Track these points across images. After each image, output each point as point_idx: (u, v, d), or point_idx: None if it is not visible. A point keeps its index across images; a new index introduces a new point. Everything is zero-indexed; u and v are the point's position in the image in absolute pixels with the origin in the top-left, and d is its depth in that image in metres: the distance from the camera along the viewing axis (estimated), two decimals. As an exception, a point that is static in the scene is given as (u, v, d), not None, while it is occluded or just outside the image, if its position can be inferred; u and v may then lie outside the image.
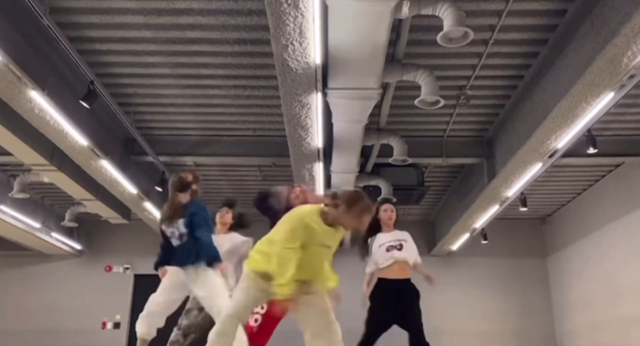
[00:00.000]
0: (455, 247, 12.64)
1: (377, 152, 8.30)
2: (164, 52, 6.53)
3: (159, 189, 8.96)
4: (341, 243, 3.52)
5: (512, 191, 9.04)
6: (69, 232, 12.68)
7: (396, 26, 5.58)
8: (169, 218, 4.49)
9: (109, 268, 13.25)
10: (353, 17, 4.77)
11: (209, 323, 4.23)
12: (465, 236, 11.79)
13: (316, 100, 6.13)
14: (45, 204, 11.88)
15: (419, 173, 9.19)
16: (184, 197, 4.52)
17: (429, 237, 13.16)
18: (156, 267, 4.67)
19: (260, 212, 4.64)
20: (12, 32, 5.52)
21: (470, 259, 13.16)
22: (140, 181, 9.34)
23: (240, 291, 3.43)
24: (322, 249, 3.31)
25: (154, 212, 10.16)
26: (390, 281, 4.70)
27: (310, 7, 4.52)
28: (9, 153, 8.05)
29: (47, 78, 6.20)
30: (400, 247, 4.80)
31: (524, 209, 9.89)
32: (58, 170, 8.50)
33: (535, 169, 8.10)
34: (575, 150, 7.49)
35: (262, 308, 4.45)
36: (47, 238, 11.79)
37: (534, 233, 13.68)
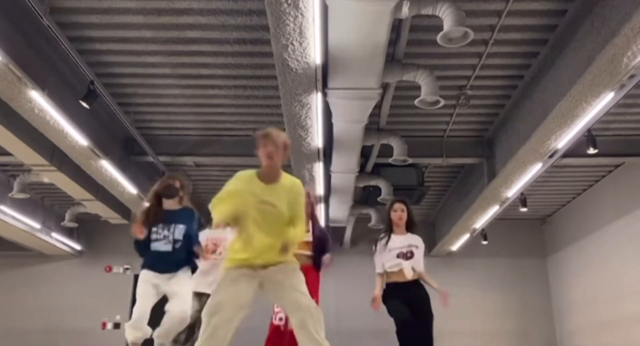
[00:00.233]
0: (455, 247, 12.63)
1: (377, 152, 8.30)
2: (164, 52, 6.53)
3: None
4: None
5: (512, 191, 9.04)
6: (69, 232, 12.68)
7: (396, 26, 5.57)
8: (157, 222, 4.52)
9: (109, 269, 13.25)
10: (353, 17, 4.77)
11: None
12: (466, 236, 11.79)
13: (316, 100, 6.13)
14: (45, 204, 11.88)
15: (419, 173, 9.19)
16: (172, 204, 4.60)
17: (429, 237, 13.14)
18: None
19: None
20: (12, 32, 5.52)
21: (470, 259, 13.16)
22: (140, 181, 9.33)
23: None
24: (266, 207, 3.26)
25: (154, 212, 10.14)
26: (400, 284, 4.59)
27: (310, 7, 4.53)
28: (9, 153, 8.05)
29: (47, 78, 6.20)
30: (410, 256, 4.64)
31: (524, 209, 9.89)
32: (58, 170, 8.50)
33: (535, 169, 8.09)
34: (575, 150, 7.49)
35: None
36: (47, 238, 11.80)
37: (534, 233, 13.68)
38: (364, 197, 10.08)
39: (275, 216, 3.28)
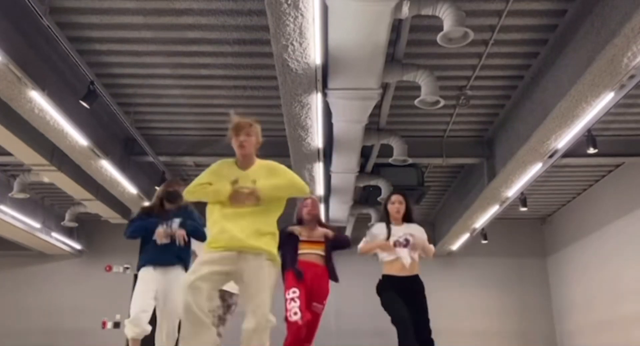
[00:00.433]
0: (455, 247, 12.64)
1: (377, 152, 8.30)
2: (164, 52, 6.53)
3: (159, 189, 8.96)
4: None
5: (512, 191, 9.04)
6: (69, 232, 12.69)
7: (396, 26, 5.58)
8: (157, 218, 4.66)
9: (109, 268, 13.25)
10: (353, 17, 4.77)
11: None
12: (466, 236, 11.79)
13: (316, 100, 6.13)
14: (45, 204, 11.88)
15: (419, 173, 9.19)
16: (172, 206, 4.74)
17: (429, 237, 13.12)
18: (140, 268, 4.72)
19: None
20: (12, 32, 5.52)
21: (470, 259, 13.17)
22: (140, 181, 9.33)
23: None
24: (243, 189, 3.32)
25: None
26: (395, 278, 4.39)
27: (310, 7, 4.52)
28: (9, 153, 8.05)
29: (47, 78, 6.20)
30: (406, 243, 4.41)
31: (524, 209, 9.89)
32: (58, 170, 8.50)
33: (535, 169, 8.10)
34: (575, 150, 7.49)
35: (296, 301, 4.44)
36: (47, 238, 11.80)
37: (534, 233, 13.69)
38: (364, 197, 10.09)
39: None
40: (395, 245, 4.40)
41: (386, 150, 8.08)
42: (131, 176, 8.96)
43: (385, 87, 6.49)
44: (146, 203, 4.98)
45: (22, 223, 10.82)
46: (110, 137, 8.22)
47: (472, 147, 8.86)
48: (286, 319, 4.49)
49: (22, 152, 7.82)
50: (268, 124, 8.26)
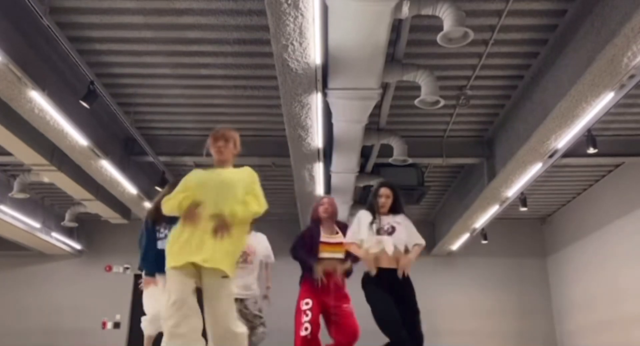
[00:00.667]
0: (455, 247, 12.64)
1: (377, 152, 8.30)
2: (164, 52, 6.53)
3: (159, 189, 8.95)
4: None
5: (512, 191, 9.04)
6: (69, 232, 12.68)
7: (396, 26, 5.57)
8: (161, 222, 4.71)
9: (109, 268, 13.25)
10: (353, 17, 4.77)
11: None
12: (465, 236, 11.79)
13: (316, 100, 6.13)
14: (45, 204, 11.88)
15: (419, 173, 9.18)
16: None
17: (429, 237, 13.10)
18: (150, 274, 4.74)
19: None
20: (12, 32, 5.52)
21: (470, 259, 13.17)
22: (140, 181, 9.33)
23: None
24: (218, 183, 3.49)
25: (154, 212, 10.15)
26: (381, 271, 4.22)
27: (310, 7, 4.52)
28: (9, 153, 8.05)
29: (47, 78, 6.20)
30: (391, 231, 4.28)
31: (524, 209, 9.90)
32: (58, 170, 8.50)
33: (535, 169, 8.10)
34: (575, 150, 7.49)
35: (307, 315, 4.43)
36: (47, 238, 11.80)
37: (534, 233, 13.69)
38: (364, 197, 10.08)
39: (224, 184, 3.49)
40: (378, 232, 4.29)
41: (386, 150, 8.08)
42: (131, 176, 8.95)
43: (385, 87, 6.49)
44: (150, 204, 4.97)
45: (22, 223, 10.82)
46: (110, 137, 8.22)
47: (472, 147, 8.86)
48: (297, 333, 4.46)
49: (22, 152, 7.82)
50: (268, 124, 8.29)
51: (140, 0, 5.63)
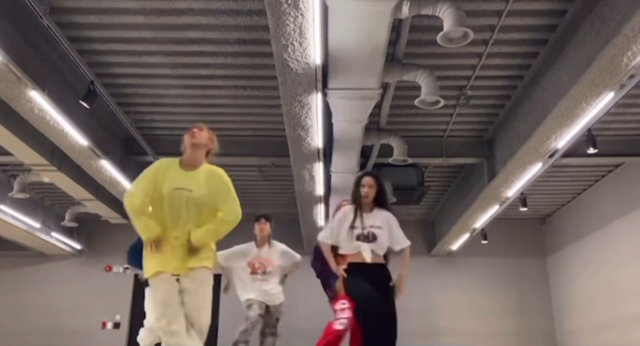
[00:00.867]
0: (455, 247, 12.64)
1: (377, 152, 8.30)
2: (164, 52, 6.53)
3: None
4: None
5: (512, 191, 9.04)
6: (69, 232, 12.68)
7: (396, 26, 5.57)
8: None
9: (109, 268, 13.25)
10: (353, 17, 4.77)
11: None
12: (465, 236, 11.79)
13: (316, 100, 6.13)
14: (45, 204, 11.88)
15: (419, 173, 9.19)
16: None
17: (429, 237, 13.16)
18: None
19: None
20: (12, 32, 5.52)
21: (470, 259, 13.17)
22: (140, 181, 9.32)
23: None
24: (182, 192, 3.44)
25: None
26: (361, 265, 4.03)
27: (310, 7, 4.52)
28: (9, 153, 8.05)
29: (47, 78, 6.20)
30: (372, 239, 4.04)
31: (524, 209, 9.90)
32: (58, 170, 8.50)
33: (535, 169, 8.10)
34: (575, 150, 7.49)
35: (344, 311, 4.33)
36: (47, 238, 11.80)
37: (534, 233, 13.69)
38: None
39: (192, 201, 3.41)
40: (358, 238, 4.05)
41: (386, 150, 8.08)
42: (131, 176, 8.94)
43: (385, 87, 6.49)
44: None
45: (22, 223, 10.82)
46: (110, 137, 8.22)
47: (472, 147, 8.86)
48: (330, 323, 4.34)
49: (22, 152, 7.82)
50: (268, 124, 8.29)
51: (140, 0, 5.63)
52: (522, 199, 9.59)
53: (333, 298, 4.73)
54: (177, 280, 3.39)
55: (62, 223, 11.81)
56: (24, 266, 13.38)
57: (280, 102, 6.31)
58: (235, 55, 6.55)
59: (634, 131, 8.20)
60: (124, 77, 7.15)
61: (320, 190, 8.93)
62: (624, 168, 9.87)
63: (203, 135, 3.58)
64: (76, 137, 7.19)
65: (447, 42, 5.09)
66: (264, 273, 5.64)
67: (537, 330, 12.94)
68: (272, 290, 5.64)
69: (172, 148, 8.67)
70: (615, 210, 10.22)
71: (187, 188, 3.43)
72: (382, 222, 4.14)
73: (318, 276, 5.17)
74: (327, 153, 7.85)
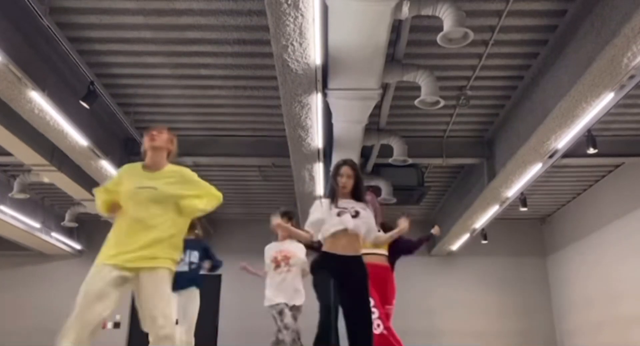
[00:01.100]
0: (455, 247, 12.64)
1: (377, 152, 8.30)
2: (164, 52, 6.53)
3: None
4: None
5: (512, 191, 9.04)
6: (69, 232, 12.68)
7: (396, 26, 5.58)
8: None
9: (109, 268, 13.23)
10: (353, 18, 4.77)
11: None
12: (465, 236, 11.79)
13: (316, 101, 6.13)
14: (45, 204, 11.88)
15: (419, 173, 9.19)
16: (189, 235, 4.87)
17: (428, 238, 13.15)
18: None
19: None
20: (12, 32, 5.52)
21: (470, 259, 13.17)
22: (140, 181, 9.32)
23: None
24: (145, 191, 3.44)
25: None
26: (333, 256, 3.80)
27: (310, 8, 4.53)
28: (9, 153, 8.05)
29: (47, 78, 6.20)
30: (355, 214, 3.86)
31: (524, 209, 9.90)
32: (58, 170, 8.50)
33: (535, 169, 8.10)
34: (575, 150, 7.49)
35: (374, 312, 4.27)
36: (47, 238, 11.80)
37: (534, 233, 13.69)
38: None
39: (155, 199, 3.40)
40: (340, 214, 3.84)
41: (386, 150, 8.08)
42: (131, 176, 8.94)
43: (385, 87, 6.49)
44: None
45: (22, 223, 10.82)
46: (110, 137, 8.22)
47: (472, 147, 8.86)
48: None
49: (22, 152, 7.82)
50: (268, 124, 8.29)
51: (140, 0, 5.63)
52: (522, 199, 9.60)
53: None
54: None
55: (62, 224, 11.80)
56: (23, 266, 13.37)
57: (280, 102, 6.31)
58: (235, 56, 6.55)
59: (634, 131, 8.20)
60: (124, 77, 7.15)
61: (320, 190, 8.93)
62: (623, 168, 9.88)
63: (162, 137, 3.63)
64: (76, 137, 7.19)
65: (447, 43, 5.09)
66: (287, 264, 5.63)
67: (536, 329, 12.94)
68: (296, 287, 5.60)
69: (172, 149, 8.78)
70: (615, 210, 10.22)
71: (151, 186, 3.45)
72: (361, 208, 3.98)
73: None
74: (327, 154, 7.85)
